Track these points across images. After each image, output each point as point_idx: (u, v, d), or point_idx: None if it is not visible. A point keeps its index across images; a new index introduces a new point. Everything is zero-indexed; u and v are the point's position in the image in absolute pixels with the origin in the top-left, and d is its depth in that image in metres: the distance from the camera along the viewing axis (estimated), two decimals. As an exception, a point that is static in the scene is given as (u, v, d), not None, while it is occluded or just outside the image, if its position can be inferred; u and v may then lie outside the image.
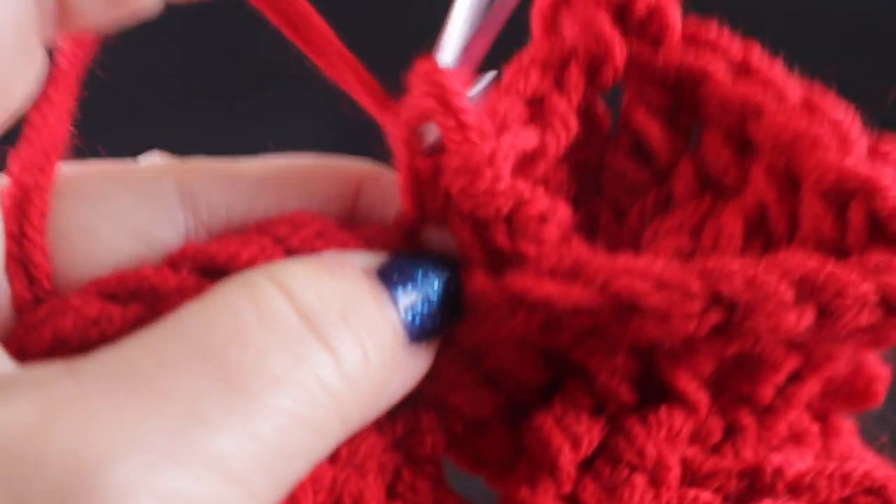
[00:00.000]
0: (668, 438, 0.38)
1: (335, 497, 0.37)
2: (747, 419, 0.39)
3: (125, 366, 0.28)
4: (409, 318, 0.33)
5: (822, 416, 0.42)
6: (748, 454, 0.39)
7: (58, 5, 0.32)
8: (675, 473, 0.37)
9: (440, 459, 0.40)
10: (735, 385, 0.39)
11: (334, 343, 0.30)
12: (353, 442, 0.37)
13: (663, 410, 0.38)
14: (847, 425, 0.42)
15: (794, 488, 0.37)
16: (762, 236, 0.39)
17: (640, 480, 0.37)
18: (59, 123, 0.39)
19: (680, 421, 0.38)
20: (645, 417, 0.38)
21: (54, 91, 0.39)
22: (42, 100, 0.38)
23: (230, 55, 1.10)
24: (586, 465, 0.38)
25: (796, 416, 0.40)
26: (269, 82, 1.04)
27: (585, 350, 0.38)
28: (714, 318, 0.34)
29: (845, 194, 0.36)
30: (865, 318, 0.34)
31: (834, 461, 0.39)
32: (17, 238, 0.36)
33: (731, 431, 0.39)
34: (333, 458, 0.37)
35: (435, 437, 0.40)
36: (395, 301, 0.33)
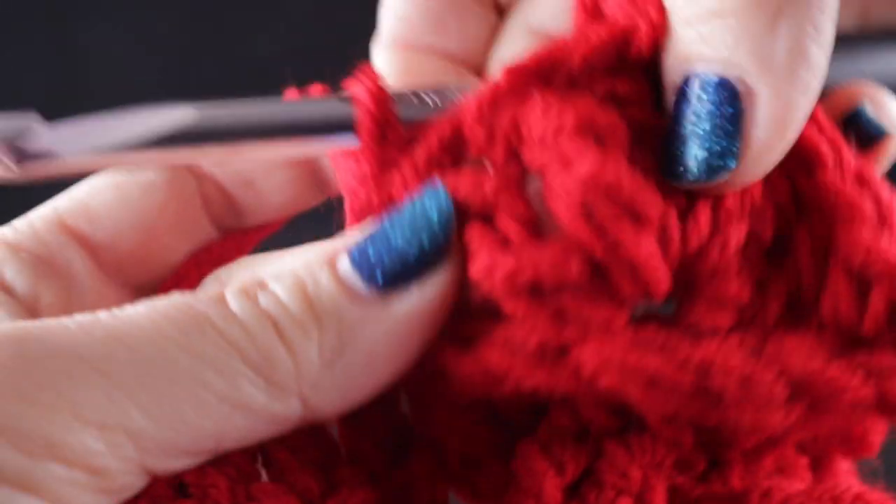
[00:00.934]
0: (651, 463, 0.37)
1: None
2: (732, 455, 0.38)
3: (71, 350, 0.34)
4: (371, 276, 0.36)
5: (815, 458, 0.40)
6: (735, 482, 0.38)
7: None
8: (661, 496, 0.37)
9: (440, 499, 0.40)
10: (717, 432, 0.38)
11: (295, 347, 0.35)
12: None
13: (647, 438, 0.37)
14: (844, 465, 0.41)
15: None
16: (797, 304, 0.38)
17: (626, 503, 0.37)
18: None
19: (662, 452, 0.38)
20: (628, 442, 0.37)
21: None
22: None
23: (230, 55, 1.10)
24: (572, 491, 0.38)
25: (784, 454, 0.39)
26: (269, 82, 1.04)
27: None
28: (698, 404, 0.33)
29: (870, 277, 0.35)
30: (858, 415, 0.35)
31: (825, 485, 0.38)
32: None
33: (717, 464, 0.38)
34: None
35: (429, 483, 0.40)
36: (356, 268, 0.36)
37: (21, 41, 1.08)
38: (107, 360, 0.33)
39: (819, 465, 0.40)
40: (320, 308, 0.36)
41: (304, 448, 0.38)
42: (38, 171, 0.37)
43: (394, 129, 0.39)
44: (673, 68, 0.36)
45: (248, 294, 0.36)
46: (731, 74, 0.34)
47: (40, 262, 0.42)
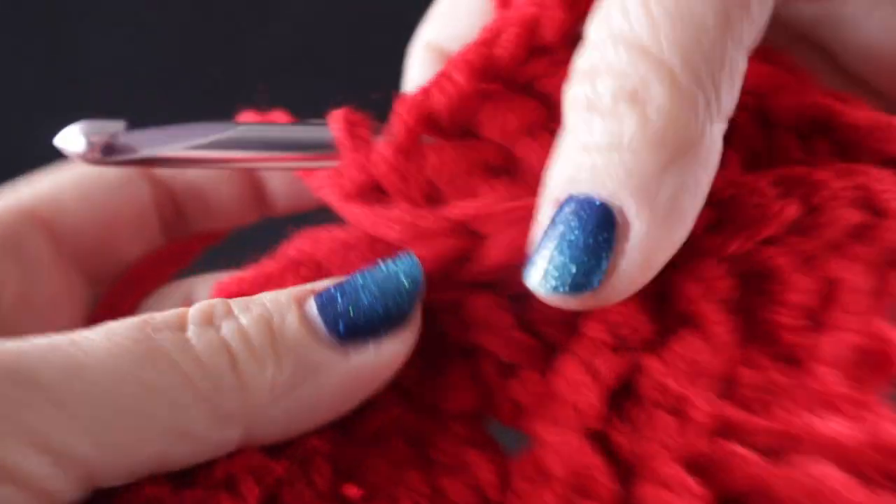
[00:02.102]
0: (688, 374, 0.38)
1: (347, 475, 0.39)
2: (776, 375, 0.38)
3: None
4: (334, 324, 0.38)
5: (856, 393, 0.38)
6: (780, 413, 0.37)
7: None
8: (701, 412, 0.37)
9: (471, 414, 0.41)
10: (753, 311, 0.39)
11: (247, 379, 0.36)
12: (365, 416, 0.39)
13: (680, 341, 0.38)
14: (886, 409, 0.39)
15: (828, 449, 0.36)
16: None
17: (664, 416, 0.37)
18: None
19: (698, 349, 0.38)
20: (663, 355, 0.38)
21: None
22: None
23: (230, 55, 1.10)
24: (612, 405, 0.38)
25: (829, 382, 0.38)
26: (269, 82, 1.04)
27: None
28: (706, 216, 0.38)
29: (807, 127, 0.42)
30: (848, 216, 0.39)
31: (870, 425, 0.37)
32: None
33: (763, 389, 0.38)
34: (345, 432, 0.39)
35: (463, 393, 0.41)
36: (321, 313, 0.38)
37: (21, 41, 1.08)
38: (63, 390, 0.34)
39: (861, 406, 0.38)
40: (281, 344, 0.37)
41: None
42: (119, 160, 0.43)
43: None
44: (559, 186, 0.37)
45: (212, 321, 0.37)
46: (614, 204, 0.36)
47: (8, 244, 0.45)
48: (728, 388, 0.38)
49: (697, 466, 0.36)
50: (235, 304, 0.38)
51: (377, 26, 1.04)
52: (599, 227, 0.36)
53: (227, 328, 0.37)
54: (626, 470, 0.37)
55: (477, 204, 0.40)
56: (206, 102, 1.11)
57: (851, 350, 0.39)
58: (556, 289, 0.37)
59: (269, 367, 0.36)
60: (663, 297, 0.40)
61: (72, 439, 0.34)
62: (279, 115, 0.47)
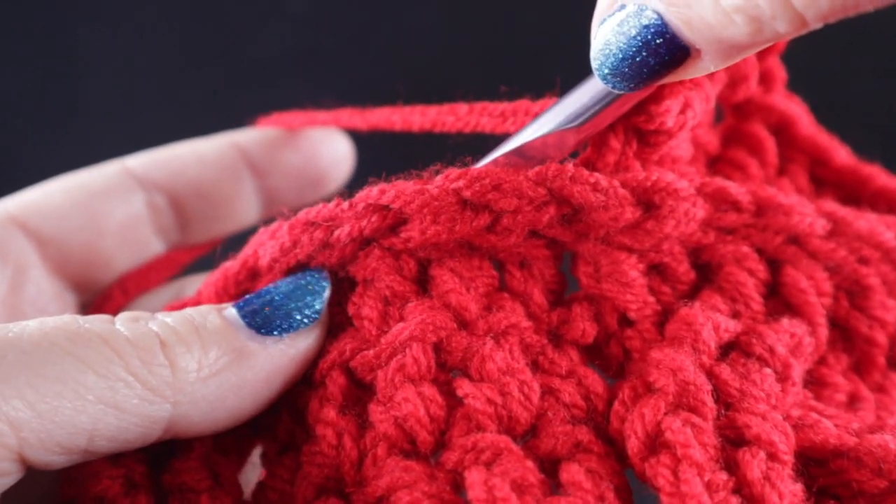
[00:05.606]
0: (791, 348, 0.45)
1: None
2: (864, 392, 0.48)
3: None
4: (252, 317, 0.43)
5: None
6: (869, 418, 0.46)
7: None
8: (799, 379, 0.44)
9: (583, 345, 0.46)
10: (852, 324, 0.48)
11: (176, 359, 0.40)
12: (494, 316, 0.44)
13: (790, 322, 0.46)
14: None
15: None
16: None
17: (769, 373, 0.44)
18: None
19: (801, 330, 0.46)
20: (774, 327, 0.45)
21: None
22: None
23: (230, 55, 1.10)
24: (722, 354, 0.44)
25: None
26: (269, 82, 1.04)
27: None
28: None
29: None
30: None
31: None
32: None
33: (853, 399, 0.48)
34: (467, 324, 0.44)
35: (586, 325, 0.46)
36: (239, 310, 0.43)
37: (21, 41, 1.08)
38: None
39: None
40: (204, 332, 0.42)
41: None
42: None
43: None
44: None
45: (138, 319, 0.41)
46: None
47: None
48: (818, 386, 0.47)
49: (789, 420, 0.43)
50: (160, 313, 0.42)
51: (377, 26, 1.04)
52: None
53: (153, 323, 0.41)
54: (726, 400, 0.43)
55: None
56: (206, 102, 1.10)
57: None
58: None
59: (195, 350, 0.41)
60: (775, 287, 0.48)
61: (5, 402, 0.36)
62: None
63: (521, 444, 0.42)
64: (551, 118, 0.43)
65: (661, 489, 0.39)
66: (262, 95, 0.88)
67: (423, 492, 0.38)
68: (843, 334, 0.49)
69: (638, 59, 0.39)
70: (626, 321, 0.47)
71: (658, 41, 0.38)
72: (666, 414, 0.41)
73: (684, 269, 0.47)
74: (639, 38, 0.38)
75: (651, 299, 0.46)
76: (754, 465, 0.39)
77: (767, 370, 0.44)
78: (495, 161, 0.44)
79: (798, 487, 0.40)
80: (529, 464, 0.39)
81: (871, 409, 0.47)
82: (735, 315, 0.47)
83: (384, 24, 1.03)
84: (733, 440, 0.41)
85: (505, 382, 0.42)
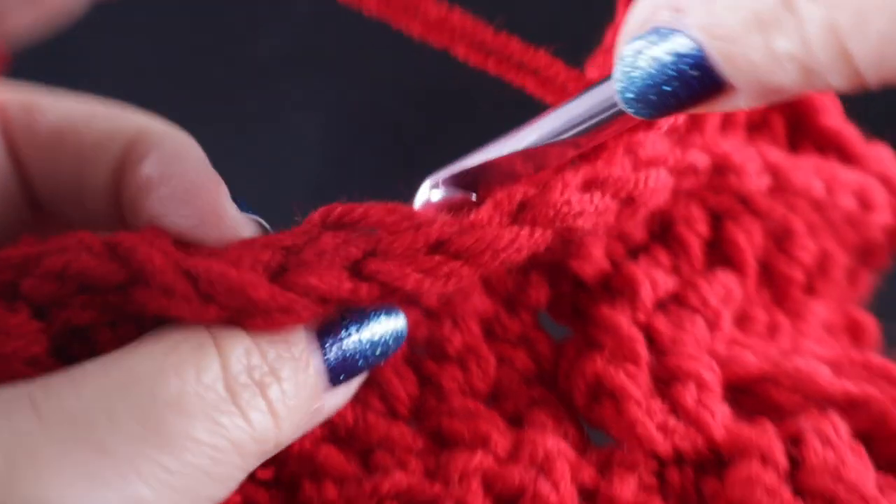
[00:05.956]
0: (722, 297, 0.50)
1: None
2: (782, 319, 0.53)
3: (81, 414, 0.35)
4: (337, 364, 0.41)
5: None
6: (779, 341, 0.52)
7: None
8: (727, 323, 0.50)
9: (537, 310, 0.50)
10: (773, 263, 0.53)
11: (249, 413, 0.38)
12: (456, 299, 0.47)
13: (724, 273, 0.51)
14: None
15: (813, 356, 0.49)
16: None
17: (700, 321, 0.49)
18: None
19: (734, 282, 0.51)
20: (709, 279, 0.50)
21: None
22: None
23: (230, 55, 1.10)
24: (660, 307, 0.49)
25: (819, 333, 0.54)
26: (269, 82, 1.04)
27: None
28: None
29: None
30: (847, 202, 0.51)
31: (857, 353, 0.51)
32: None
33: (772, 328, 0.53)
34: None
35: (539, 292, 0.49)
36: (325, 354, 0.41)
37: (20, 40, 1.08)
38: None
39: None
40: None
41: None
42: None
43: None
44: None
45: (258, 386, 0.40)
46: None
47: None
48: (743, 320, 0.52)
49: (716, 359, 0.48)
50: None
51: (377, 26, 1.04)
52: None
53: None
54: (660, 348, 0.48)
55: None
56: (206, 102, 1.11)
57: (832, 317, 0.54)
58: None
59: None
60: (715, 241, 0.52)
61: None
62: None
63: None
64: (554, 124, 0.43)
65: (609, 426, 0.45)
66: (262, 96, 0.88)
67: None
68: (766, 271, 0.54)
69: (667, 87, 0.36)
70: (579, 284, 0.50)
71: (693, 73, 0.35)
72: (604, 366, 0.46)
73: (640, 232, 0.51)
74: (671, 66, 0.35)
75: (606, 263, 0.50)
76: (686, 394, 0.45)
77: (699, 318, 0.49)
78: (496, 163, 0.44)
79: (727, 408, 0.46)
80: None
81: (788, 334, 0.53)
82: (676, 269, 0.51)
83: (384, 24, 1.03)
84: (667, 380, 0.47)
85: (466, 360, 0.47)
